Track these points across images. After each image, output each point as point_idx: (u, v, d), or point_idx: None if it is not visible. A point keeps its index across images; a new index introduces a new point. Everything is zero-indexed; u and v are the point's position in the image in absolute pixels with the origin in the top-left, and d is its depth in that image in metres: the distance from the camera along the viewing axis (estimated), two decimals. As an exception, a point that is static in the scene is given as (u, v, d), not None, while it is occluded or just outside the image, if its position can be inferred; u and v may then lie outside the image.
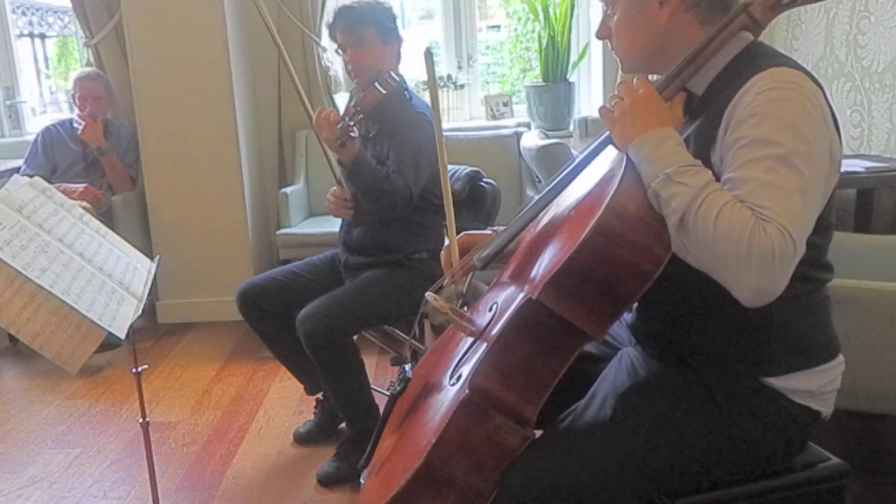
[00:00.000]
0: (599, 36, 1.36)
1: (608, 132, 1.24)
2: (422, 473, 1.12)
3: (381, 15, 2.28)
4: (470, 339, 1.29)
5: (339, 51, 2.34)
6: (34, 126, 4.38)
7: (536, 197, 1.35)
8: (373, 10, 2.27)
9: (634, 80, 1.21)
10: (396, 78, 2.24)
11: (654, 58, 1.28)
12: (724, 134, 1.14)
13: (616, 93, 1.22)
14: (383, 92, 2.18)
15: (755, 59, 1.18)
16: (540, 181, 3.71)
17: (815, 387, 1.24)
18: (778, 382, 1.22)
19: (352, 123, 2.13)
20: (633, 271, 1.10)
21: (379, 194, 2.20)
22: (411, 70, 3.71)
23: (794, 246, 1.03)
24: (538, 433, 1.22)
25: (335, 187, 2.37)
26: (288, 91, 3.97)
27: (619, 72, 3.84)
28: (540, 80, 4.15)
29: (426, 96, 4.43)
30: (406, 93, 2.31)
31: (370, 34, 2.25)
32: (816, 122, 1.11)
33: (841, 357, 1.28)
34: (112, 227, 2.15)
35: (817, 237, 1.16)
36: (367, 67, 2.26)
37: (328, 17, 2.41)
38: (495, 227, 1.54)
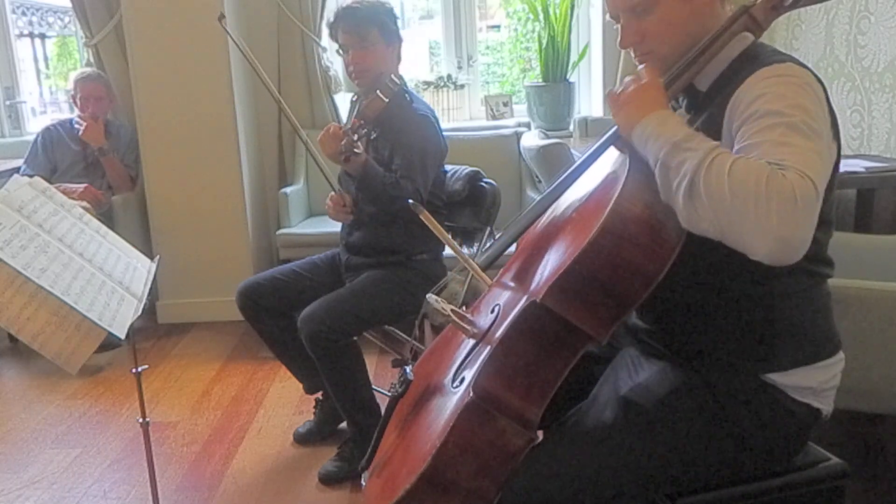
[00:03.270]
0: (627, 43, 1.28)
1: (610, 132, 1.24)
2: (427, 477, 1.12)
3: (385, 16, 2.25)
4: (471, 341, 1.29)
5: (340, 51, 2.31)
6: (34, 126, 4.38)
7: (538, 198, 1.34)
8: (376, 10, 2.24)
9: (640, 69, 1.22)
10: (397, 81, 2.23)
11: (691, 49, 1.23)
12: (730, 122, 1.14)
13: (623, 82, 1.23)
14: (386, 101, 2.16)
15: (758, 56, 1.19)
16: (540, 181, 3.71)
17: (816, 383, 1.24)
18: (780, 379, 1.22)
19: (356, 138, 2.08)
20: (637, 273, 1.10)
21: (390, 201, 2.17)
22: (411, 69, 3.72)
23: (815, 189, 0.97)
24: (540, 433, 1.22)
25: (333, 193, 2.36)
26: (288, 91, 3.97)
27: (620, 72, 3.86)
28: (540, 80, 4.14)
29: (426, 96, 4.42)
30: (407, 95, 2.29)
31: (373, 35, 2.22)
32: (821, 108, 1.11)
33: (842, 354, 1.29)
34: (112, 227, 2.15)
35: (818, 232, 1.15)
36: (369, 69, 2.24)
37: (329, 16, 2.38)
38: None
